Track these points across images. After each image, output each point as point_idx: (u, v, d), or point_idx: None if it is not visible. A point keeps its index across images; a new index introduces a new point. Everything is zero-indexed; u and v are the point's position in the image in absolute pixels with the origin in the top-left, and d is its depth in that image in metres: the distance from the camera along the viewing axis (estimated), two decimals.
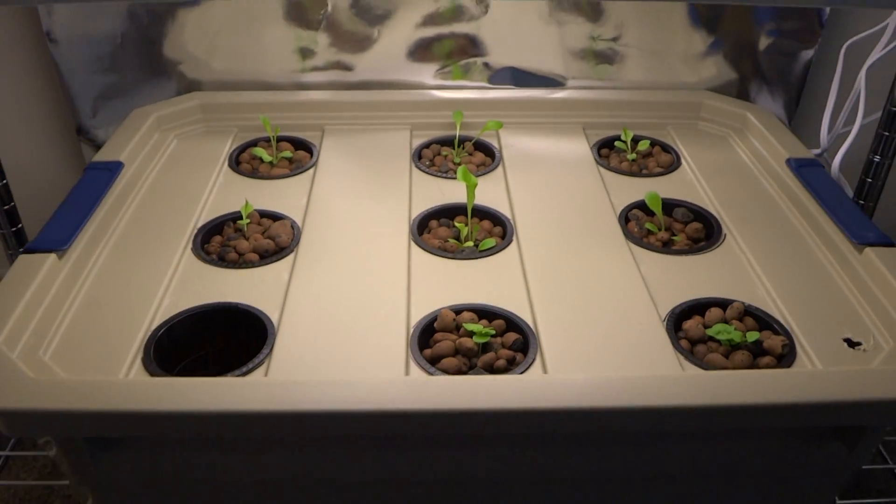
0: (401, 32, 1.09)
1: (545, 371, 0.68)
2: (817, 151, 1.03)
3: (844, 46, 1.01)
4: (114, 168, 0.90)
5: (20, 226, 1.03)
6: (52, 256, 0.75)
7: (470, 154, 1.03)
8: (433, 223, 0.89)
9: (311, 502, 0.71)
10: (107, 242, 0.82)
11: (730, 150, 1.04)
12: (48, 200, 0.99)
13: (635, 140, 1.04)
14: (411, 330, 0.73)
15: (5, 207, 1.01)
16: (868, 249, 0.78)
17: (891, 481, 0.98)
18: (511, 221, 0.89)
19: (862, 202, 1.04)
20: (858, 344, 0.72)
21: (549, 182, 0.96)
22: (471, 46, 1.11)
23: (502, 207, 0.91)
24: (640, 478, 0.70)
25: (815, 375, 0.66)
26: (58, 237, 0.77)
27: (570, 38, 1.10)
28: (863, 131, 0.98)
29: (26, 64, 1.09)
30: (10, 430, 0.60)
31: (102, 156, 0.92)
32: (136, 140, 0.96)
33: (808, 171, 0.92)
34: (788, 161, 0.94)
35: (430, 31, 1.09)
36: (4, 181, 0.99)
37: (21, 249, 0.76)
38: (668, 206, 0.91)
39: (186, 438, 0.64)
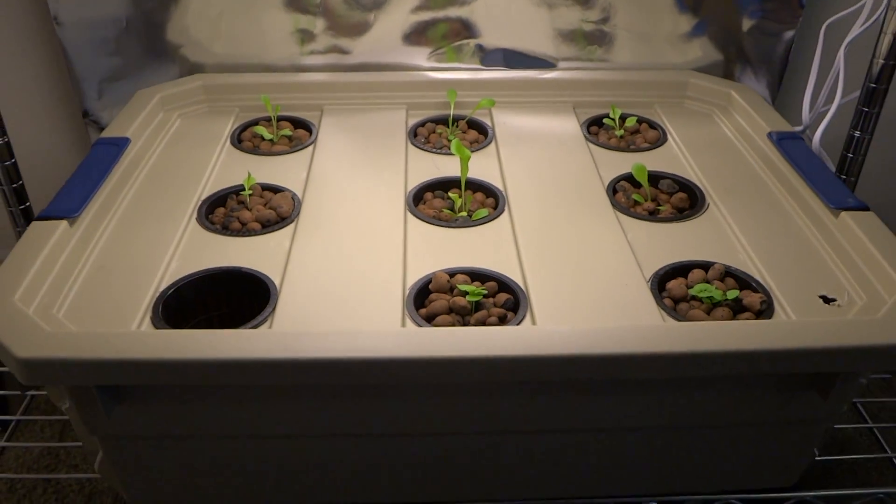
0: (396, 17, 1.13)
1: None
2: (799, 129, 1.06)
3: (824, 26, 1.05)
4: (121, 144, 0.93)
5: (28, 204, 1.07)
6: (64, 223, 0.78)
7: (464, 132, 1.07)
8: (428, 195, 0.93)
9: (316, 455, 0.74)
10: (115, 212, 0.86)
11: (714, 127, 1.08)
12: (54, 180, 1.02)
13: (623, 118, 1.07)
14: (407, 291, 0.76)
15: (14, 186, 1.04)
16: (844, 214, 0.82)
17: (873, 446, 1.01)
18: (503, 193, 0.92)
19: (844, 177, 1.08)
20: (833, 300, 0.75)
21: (540, 157, 1.00)
22: (464, 29, 1.14)
23: (495, 181, 0.95)
24: (622, 429, 0.73)
25: (790, 324, 0.70)
26: (69, 205, 0.81)
27: (560, 21, 1.13)
28: (843, 108, 1.02)
29: (34, 47, 1.12)
30: (28, 378, 0.63)
31: (110, 132, 0.96)
32: (141, 118, 0.99)
33: (788, 144, 0.95)
34: (770, 135, 0.98)
35: (425, 16, 1.13)
36: (13, 160, 1.03)
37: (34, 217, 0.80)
38: (655, 178, 0.94)
39: (194, 389, 0.67)
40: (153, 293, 0.75)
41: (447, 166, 0.97)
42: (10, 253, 0.74)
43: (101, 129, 1.12)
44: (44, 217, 0.79)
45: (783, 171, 0.93)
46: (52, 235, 0.76)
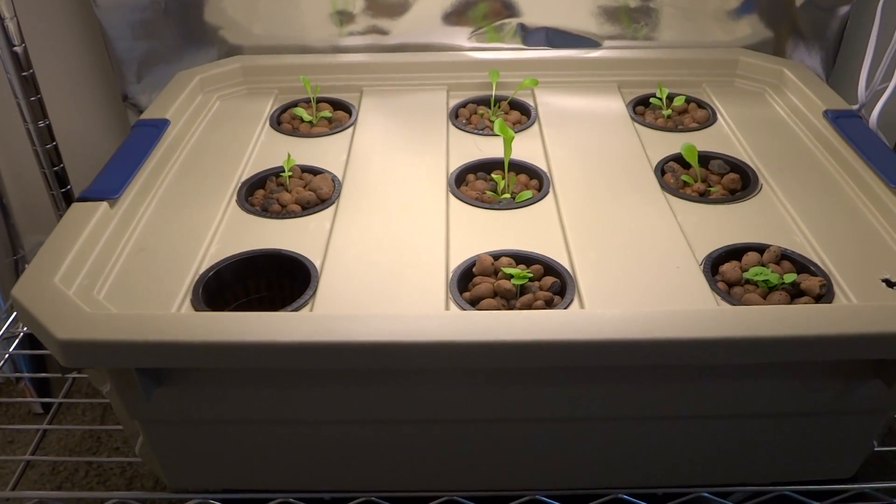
0: None
1: None
2: (855, 107, 1.02)
3: (881, 1, 1.00)
4: (160, 125, 0.92)
5: (69, 187, 1.07)
6: (104, 205, 0.77)
7: (506, 113, 1.04)
8: (470, 177, 0.91)
9: (356, 441, 0.73)
10: (155, 193, 0.85)
11: (766, 106, 1.04)
12: (94, 164, 1.01)
13: (670, 97, 1.04)
14: (450, 274, 0.74)
15: (55, 169, 1.04)
16: None
17: None
18: (548, 175, 0.90)
19: None
20: None
21: (584, 138, 0.97)
22: (504, 9, 1.12)
23: (538, 162, 0.92)
24: (672, 417, 0.71)
25: (853, 309, 0.66)
26: (109, 187, 0.80)
27: None
28: None
29: (73, 31, 1.12)
30: (69, 361, 0.62)
31: (149, 114, 0.95)
32: (180, 100, 0.98)
33: (846, 122, 0.92)
34: (826, 113, 0.94)
35: None
36: (54, 143, 1.03)
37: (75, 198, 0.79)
38: (705, 158, 0.91)
39: (235, 373, 0.66)
40: (193, 275, 0.74)
41: (489, 148, 0.95)
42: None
43: (140, 112, 1.12)
44: (84, 198, 0.78)
45: (840, 150, 0.89)
46: (93, 217, 0.75)
